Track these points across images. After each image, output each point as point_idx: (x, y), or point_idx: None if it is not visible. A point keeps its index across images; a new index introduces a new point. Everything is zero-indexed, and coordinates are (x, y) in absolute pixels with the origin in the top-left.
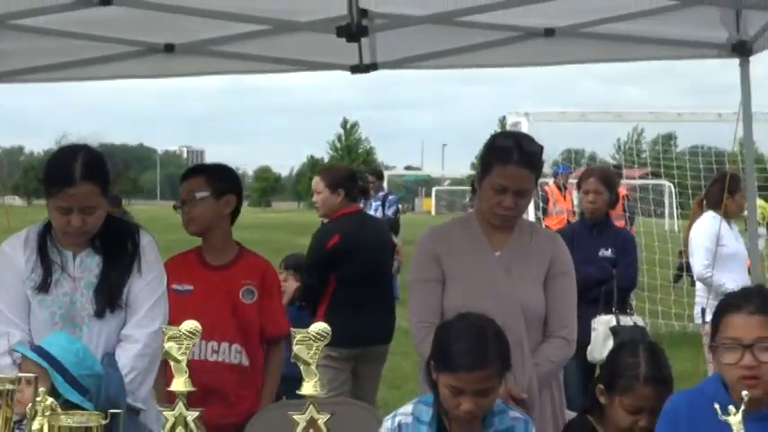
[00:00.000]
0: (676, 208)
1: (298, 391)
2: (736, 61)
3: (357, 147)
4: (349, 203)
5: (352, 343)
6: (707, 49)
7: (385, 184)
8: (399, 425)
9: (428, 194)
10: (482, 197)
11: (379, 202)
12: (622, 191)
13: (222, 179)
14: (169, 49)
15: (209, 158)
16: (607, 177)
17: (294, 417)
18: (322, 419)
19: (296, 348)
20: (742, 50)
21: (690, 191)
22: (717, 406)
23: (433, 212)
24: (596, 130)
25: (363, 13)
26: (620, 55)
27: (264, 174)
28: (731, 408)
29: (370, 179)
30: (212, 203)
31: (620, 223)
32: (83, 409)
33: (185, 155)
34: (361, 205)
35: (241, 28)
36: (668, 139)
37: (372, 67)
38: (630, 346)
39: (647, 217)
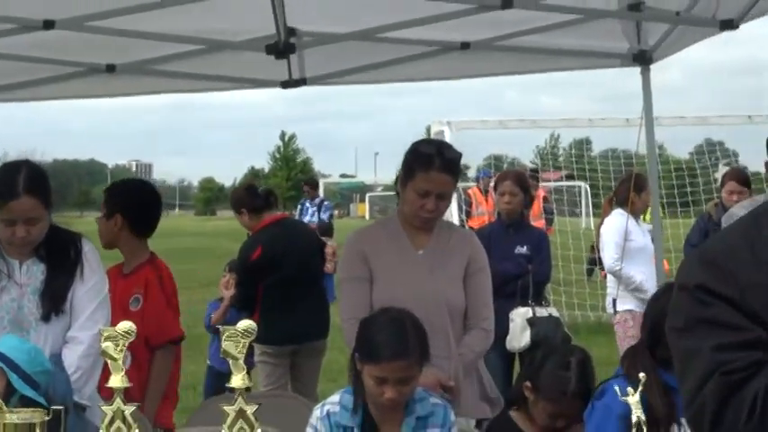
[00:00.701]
0: (591, 207)
1: (227, 384)
2: (638, 69)
3: (295, 157)
4: (260, 216)
5: (286, 341)
6: (611, 59)
7: (321, 191)
8: (328, 413)
9: (362, 200)
10: (405, 200)
11: (315, 208)
12: (541, 193)
13: (113, 200)
14: (110, 69)
15: (157, 171)
16: (521, 180)
17: (224, 408)
18: (250, 410)
19: (224, 345)
20: (642, 59)
21: (602, 191)
22: (617, 388)
23: (368, 217)
24: (517, 136)
25: (291, 31)
26: (531, 67)
27: (209, 184)
28: (629, 389)
29: (306, 188)
30: (104, 223)
31: (539, 223)
32: (38, 403)
33: (134, 168)
34: (287, 213)
35: (178, 48)
36: (583, 143)
37: (302, 82)
38: (562, 357)
39: (564, 216)
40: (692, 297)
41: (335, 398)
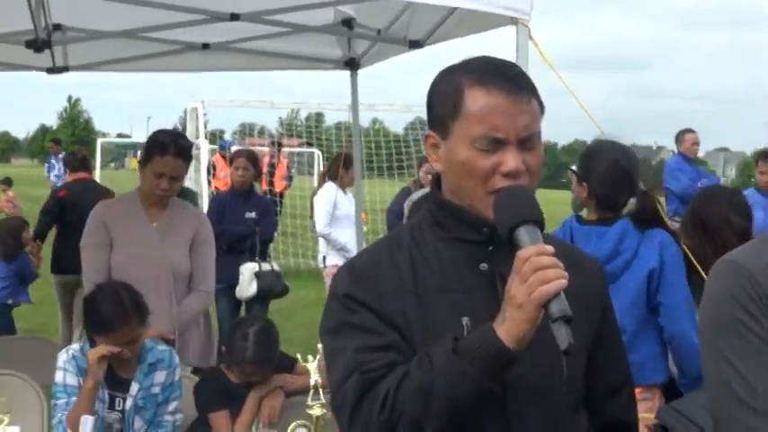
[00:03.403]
0: (324, 170)
1: None
2: (348, 72)
3: (79, 118)
4: (76, 172)
5: (71, 271)
6: (327, 63)
7: (98, 147)
8: (73, 356)
9: (135, 156)
10: (144, 179)
11: (61, 163)
12: (283, 157)
13: None
14: None
15: None
16: (253, 158)
17: None
18: None
19: None
20: (352, 65)
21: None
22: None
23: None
24: (268, 110)
25: (57, 26)
26: (261, 65)
27: (4, 137)
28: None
29: (50, 145)
30: None
31: (282, 184)
32: None
33: None
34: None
35: None
36: (313, 117)
37: (64, 69)
38: (243, 329)
39: (302, 175)
40: (341, 304)
41: (76, 346)
